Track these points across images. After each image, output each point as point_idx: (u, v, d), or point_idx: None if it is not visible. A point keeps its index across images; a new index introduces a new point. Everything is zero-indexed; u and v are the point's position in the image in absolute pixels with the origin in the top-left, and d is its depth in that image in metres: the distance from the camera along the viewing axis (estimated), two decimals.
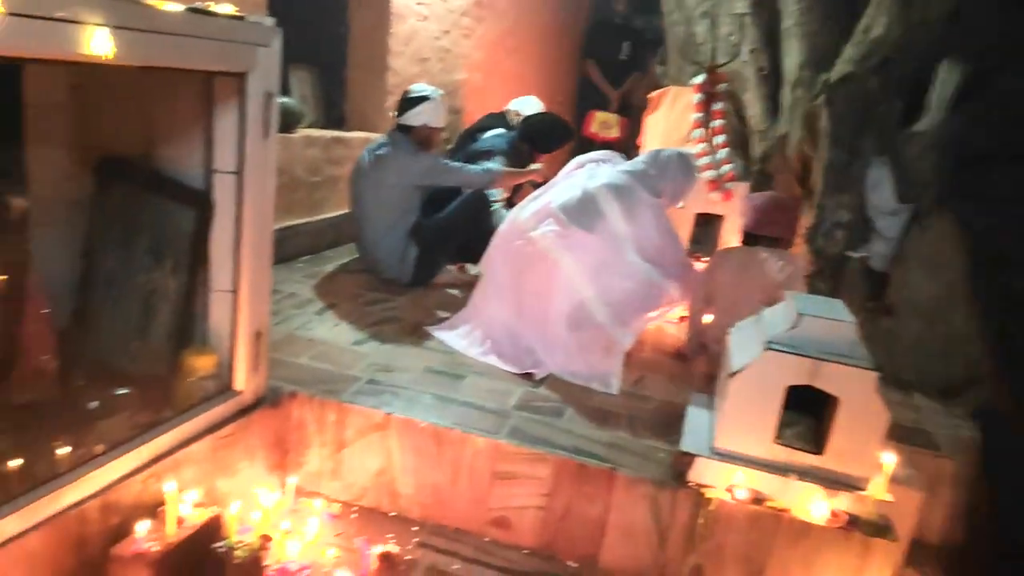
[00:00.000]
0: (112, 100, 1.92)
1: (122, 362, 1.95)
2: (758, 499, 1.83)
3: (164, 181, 1.88)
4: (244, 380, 1.92)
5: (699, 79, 3.95)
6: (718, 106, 3.91)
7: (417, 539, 1.99)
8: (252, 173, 1.79)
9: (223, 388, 1.91)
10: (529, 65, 5.86)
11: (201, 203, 1.83)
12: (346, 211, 3.79)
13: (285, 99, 3.37)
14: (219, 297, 1.90)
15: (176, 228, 1.88)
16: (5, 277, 1.57)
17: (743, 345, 1.98)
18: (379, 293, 3.11)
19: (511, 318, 2.56)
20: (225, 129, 1.77)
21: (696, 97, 3.93)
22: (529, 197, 2.70)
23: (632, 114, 5.94)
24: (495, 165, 3.50)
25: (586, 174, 2.68)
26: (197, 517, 1.66)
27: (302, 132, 3.49)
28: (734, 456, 1.87)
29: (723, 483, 1.86)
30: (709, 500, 1.83)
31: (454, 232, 3.17)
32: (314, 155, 3.52)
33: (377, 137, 3.53)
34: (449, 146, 4.35)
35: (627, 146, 4.94)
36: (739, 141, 4.24)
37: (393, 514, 2.09)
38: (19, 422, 1.67)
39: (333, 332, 2.61)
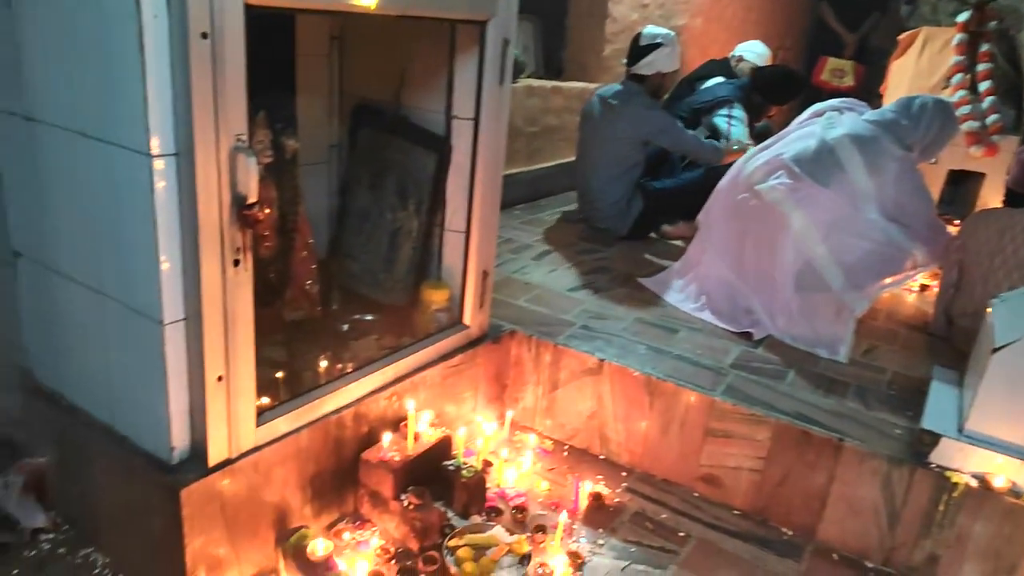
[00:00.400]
0: (366, 51, 2.09)
1: (369, 290, 2.16)
2: (1017, 491, 1.62)
3: (409, 126, 2.02)
4: (471, 315, 2.04)
5: (963, 17, 3.46)
6: (984, 48, 3.41)
7: (625, 484, 2.02)
8: (487, 119, 1.86)
9: (453, 321, 2.05)
10: (755, 9, 5.47)
11: (441, 148, 1.95)
12: (561, 161, 3.85)
13: None
14: (452, 237, 2.02)
15: (419, 171, 2.02)
16: (268, 211, 1.77)
17: (1010, 318, 1.74)
18: (592, 243, 3.13)
19: (730, 274, 2.46)
20: (464, 76, 1.85)
21: (957, 38, 3.46)
22: (756, 148, 2.55)
23: (870, 59, 5.36)
24: (737, 128, 3.35)
25: (824, 123, 2.46)
26: (431, 436, 1.82)
27: (524, 82, 3.56)
28: (990, 441, 1.67)
29: (973, 468, 1.67)
30: (955, 485, 1.66)
31: (686, 197, 3.05)
32: (534, 105, 3.59)
33: (596, 86, 3.51)
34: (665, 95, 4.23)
35: (865, 95, 4.48)
36: (1009, 88, 3.67)
37: (602, 457, 2.13)
38: (290, 336, 1.93)
39: (548, 278, 2.68)
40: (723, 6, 5.06)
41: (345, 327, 2.07)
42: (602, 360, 2.09)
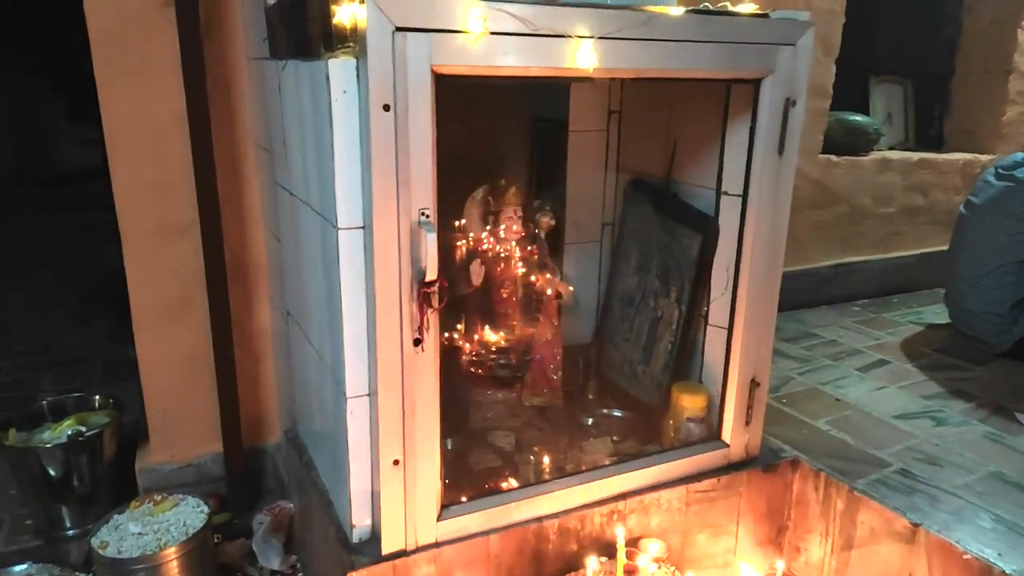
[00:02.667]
0: (641, 123, 1.92)
1: (627, 383, 1.93)
2: None
3: (678, 203, 1.78)
4: (732, 431, 1.66)
5: None
6: None
7: None
8: (759, 195, 1.52)
9: (709, 435, 1.69)
10: None
11: (706, 228, 1.66)
12: (925, 250, 3.12)
13: (857, 117, 2.93)
14: (714, 333, 1.69)
15: (683, 253, 1.75)
16: (511, 289, 1.68)
17: None
18: (954, 356, 2.40)
19: None
20: (736, 146, 1.55)
21: None
22: None
23: None
24: None
25: None
26: (653, 573, 1.49)
27: (877, 154, 2.98)
28: None
29: None
30: None
31: None
32: (888, 181, 2.97)
33: (988, 158, 2.77)
34: None
35: None
36: None
37: None
38: (526, 423, 1.80)
39: (872, 396, 2.10)
40: None
41: (589, 421, 1.86)
42: (916, 525, 1.50)
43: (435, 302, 1.23)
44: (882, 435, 1.87)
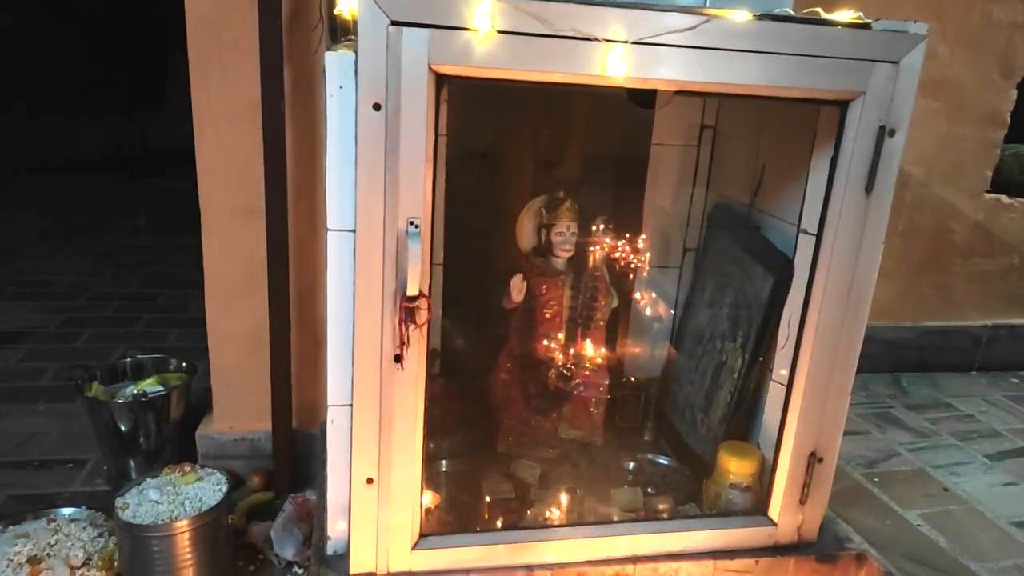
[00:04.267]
0: (733, 141, 1.70)
1: (686, 429, 1.73)
2: None
3: (755, 237, 1.55)
4: (780, 509, 1.42)
5: None
6: None
7: None
8: (835, 236, 1.27)
9: (754, 508, 1.46)
10: None
11: (779, 269, 1.42)
12: None
13: None
14: (775, 391, 1.45)
15: (754, 294, 1.53)
16: (554, 309, 1.55)
17: None
18: None
19: None
20: (819, 177, 1.31)
21: None
22: None
23: None
24: None
25: None
26: None
27: None
28: None
29: None
30: None
31: None
32: None
33: None
34: None
35: None
36: None
37: None
38: (559, 456, 1.67)
39: (992, 492, 1.73)
40: None
41: (630, 465, 1.69)
42: None
43: (419, 318, 1.14)
44: (988, 544, 1.52)
